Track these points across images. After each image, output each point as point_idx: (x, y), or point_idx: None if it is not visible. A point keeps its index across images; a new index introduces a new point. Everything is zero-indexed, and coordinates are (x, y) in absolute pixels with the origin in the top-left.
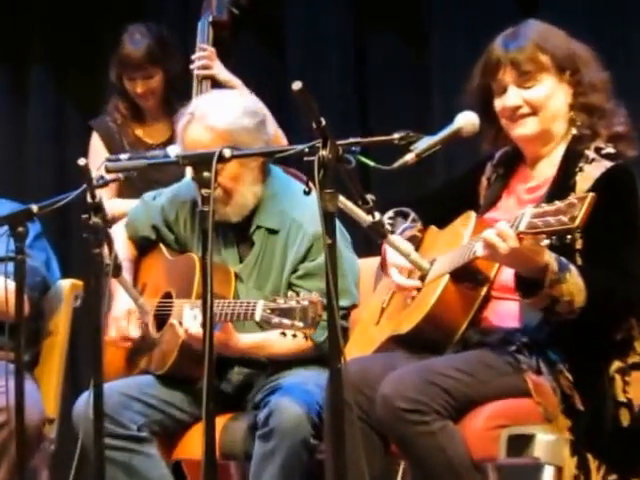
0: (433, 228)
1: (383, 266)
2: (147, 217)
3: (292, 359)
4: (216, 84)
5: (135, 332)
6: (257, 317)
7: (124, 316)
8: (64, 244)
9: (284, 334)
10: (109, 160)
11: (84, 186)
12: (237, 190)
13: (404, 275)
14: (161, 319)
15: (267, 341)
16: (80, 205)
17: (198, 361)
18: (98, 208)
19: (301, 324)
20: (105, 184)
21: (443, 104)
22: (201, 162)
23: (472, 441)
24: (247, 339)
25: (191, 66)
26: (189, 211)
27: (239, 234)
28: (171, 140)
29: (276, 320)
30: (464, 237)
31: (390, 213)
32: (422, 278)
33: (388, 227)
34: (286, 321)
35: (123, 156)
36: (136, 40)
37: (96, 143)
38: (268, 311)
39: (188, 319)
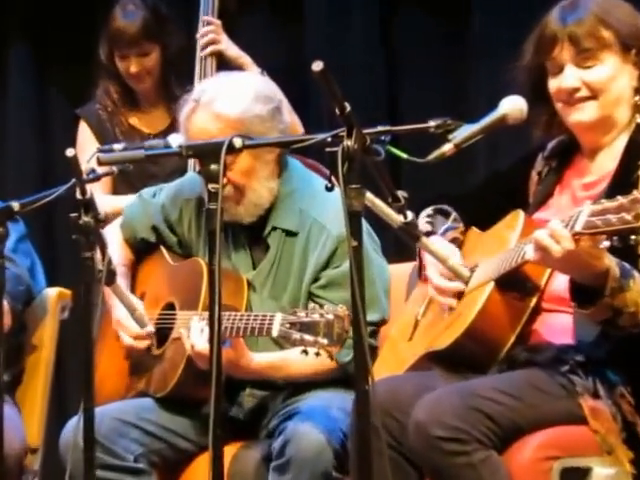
0: (474, 230)
1: (420, 271)
2: (146, 217)
3: (312, 380)
4: (222, 64)
5: (149, 326)
6: (274, 332)
7: (127, 314)
8: (49, 247)
9: (306, 352)
10: (101, 151)
11: (73, 180)
12: (250, 186)
13: (445, 278)
14: (162, 334)
15: (284, 361)
16: (68, 202)
17: (204, 382)
18: (89, 206)
19: (325, 341)
20: (97, 178)
21: (485, 87)
22: (208, 153)
23: (519, 474)
24: (261, 359)
25: (199, 41)
26: (194, 210)
27: (252, 236)
28: (171, 129)
29: (297, 336)
30: (511, 240)
31: (429, 210)
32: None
33: (427, 226)
34: (308, 337)
35: (117, 146)
36: (129, 12)
37: (85, 134)
38: (287, 325)
39: (195, 333)
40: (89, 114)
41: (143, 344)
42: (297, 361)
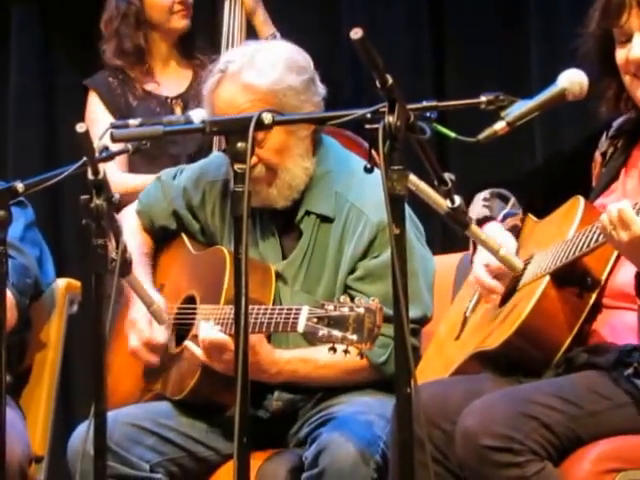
0: (530, 218)
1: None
2: (165, 201)
3: (344, 383)
4: (252, 29)
5: (162, 336)
6: (300, 328)
7: (145, 317)
8: (56, 234)
9: (334, 349)
10: (115, 127)
11: (84, 159)
12: (283, 166)
13: (492, 274)
14: (181, 330)
15: (311, 356)
16: (77, 183)
17: (226, 384)
18: (101, 187)
19: (355, 337)
20: (110, 157)
21: (543, 58)
22: (235, 129)
23: None
24: (285, 353)
25: None
26: (219, 194)
27: (282, 222)
28: (192, 90)
29: (324, 332)
30: (569, 230)
31: (486, 194)
32: (515, 281)
33: (485, 211)
34: (336, 333)
35: (132, 121)
36: None
37: (95, 105)
38: (314, 320)
39: (205, 329)
40: (98, 83)
41: (148, 355)
42: (325, 358)
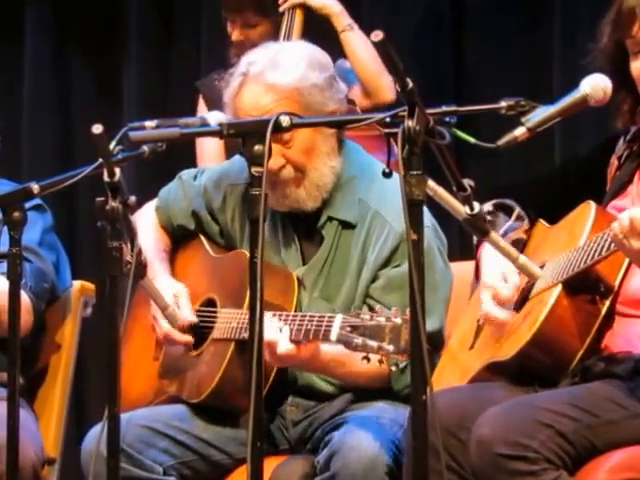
0: (542, 224)
1: (477, 274)
2: (185, 201)
3: (369, 387)
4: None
5: (192, 315)
6: (333, 336)
7: (171, 301)
8: (70, 236)
9: (367, 359)
10: (132, 129)
11: (99, 160)
12: (312, 165)
13: (498, 302)
14: (199, 333)
15: (349, 357)
16: (93, 185)
17: (245, 388)
18: (117, 189)
19: (391, 347)
20: (125, 159)
21: (565, 64)
22: (252, 132)
23: None
24: (327, 350)
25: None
26: (240, 197)
27: (303, 228)
28: None
29: (358, 341)
30: (581, 235)
31: (489, 206)
32: (528, 289)
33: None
34: (372, 343)
35: (149, 123)
36: None
37: (200, 108)
38: (348, 329)
39: (271, 332)
40: (205, 85)
41: (182, 337)
42: (359, 361)
